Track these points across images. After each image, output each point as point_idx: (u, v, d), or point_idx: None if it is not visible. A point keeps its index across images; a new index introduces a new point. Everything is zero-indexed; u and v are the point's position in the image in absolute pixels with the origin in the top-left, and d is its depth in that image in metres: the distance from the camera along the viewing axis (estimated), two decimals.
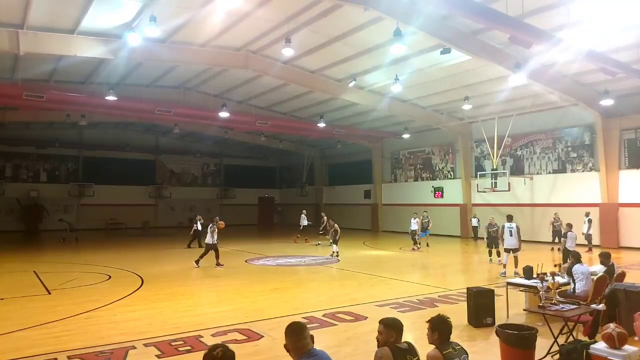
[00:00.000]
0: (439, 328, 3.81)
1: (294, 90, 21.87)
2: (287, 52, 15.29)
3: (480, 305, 7.42)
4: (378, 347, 3.60)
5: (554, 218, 18.92)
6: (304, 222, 23.27)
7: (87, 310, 8.36)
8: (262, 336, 6.78)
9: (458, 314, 7.67)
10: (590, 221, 17.55)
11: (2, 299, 9.49)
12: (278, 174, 42.29)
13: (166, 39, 15.92)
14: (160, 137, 34.66)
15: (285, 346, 3.23)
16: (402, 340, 3.65)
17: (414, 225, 19.37)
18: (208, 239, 14.48)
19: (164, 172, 36.38)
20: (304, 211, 24.04)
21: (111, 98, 18.74)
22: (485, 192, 22.66)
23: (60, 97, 19.22)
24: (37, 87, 18.73)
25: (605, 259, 8.04)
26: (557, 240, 18.43)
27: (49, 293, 10.23)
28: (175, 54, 16.82)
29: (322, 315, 7.83)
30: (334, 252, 16.38)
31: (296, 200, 38.14)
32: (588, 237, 17.67)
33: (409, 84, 19.17)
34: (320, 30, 15.26)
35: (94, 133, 31.10)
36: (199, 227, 19.68)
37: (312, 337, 3.25)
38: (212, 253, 14.22)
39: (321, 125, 24.20)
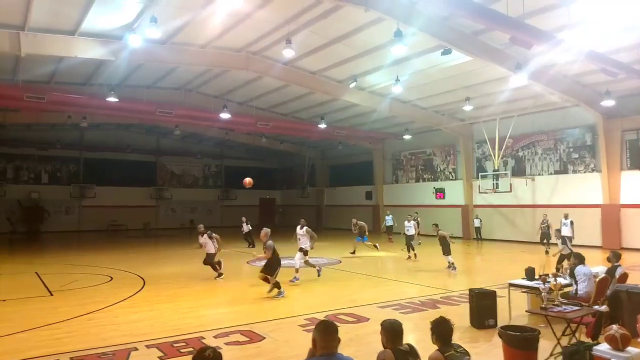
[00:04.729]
0: (439, 330, 3.82)
1: (295, 92, 21.89)
2: (288, 54, 15.29)
3: (483, 306, 7.41)
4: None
5: (542, 220, 18.88)
6: (390, 222, 24.34)
7: (89, 312, 8.35)
8: (264, 337, 6.77)
9: (460, 315, 7.66)
10: (572, 223, 17.10)
11: (4, 300, 9.49)
12: (279, 175, 42.30)
13: (167, 40, 15.93)
14: (161, 139, 34.70)
15: (313, 340, 3.33)
16: (404, 342, 3.66)
17: (411, 229, 17.15)
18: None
19: (165, 174, 36.40)
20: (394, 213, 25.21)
21: (112, 99, 18.77)
22: (486, 193, 22.65)
23: (62, 98, 19.24)
24: (38, 88, 18.76)
25: (614, 258, 8.02)
26: (545, 241, 18.37)
27: (51, 294, 10.23)
28: (176, 55, 16.84)
29: (324, 317, 7.82)
30: (450, 262, 13.53)
31: (297, 201, 38.13)
32: (564, 239, 16.10)
33: (409, 85, 19.18)
34: (321, 31, 15.28)
35: (95, 134, 31.15)
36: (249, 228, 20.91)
37: (339, 340, 3.34)
38: None
39: (322, 126, 24.20)
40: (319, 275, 12.09)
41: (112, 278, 12.27)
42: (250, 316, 8.11)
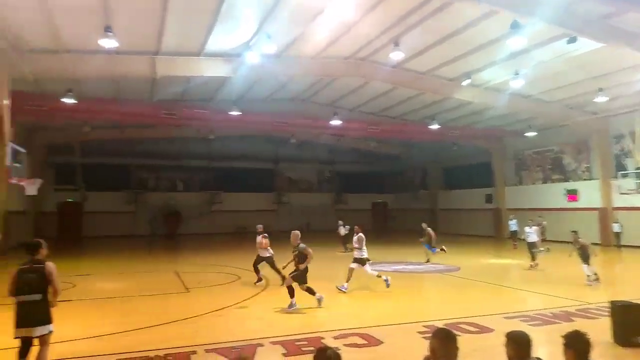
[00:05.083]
0: (575, 345, 3.46)
1: (404, 94, 21.67)
2: (396, 56, 15.18)
3: (628, 321, 6.57)
4: None
5: None
6: (514, 227, 22.10)
7: (220, 308, 9.09)
8: (382, 342, 6.77)
9: (600, 330, 6.87)
10: None
11: (150, 295, 10.75)
12: (390, 178, 41.97)
13: (280, 55, 16.82)
14: (279, 147, 36.56)
15: (432, 349, 3.22)
16: (532, 356, 3.40)
17: (532, 235, 15.35)
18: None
19: (282, 180, 38.36)
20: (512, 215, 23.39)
21: (234, 113, 20.42)
22: (628, 194, 20.00)
23: (191, 114, 21.54)
24: (171, 106, 21.09)
25: None
26: None
27: (187, 291, 11.34)
28: (289, 68, 17.71)
29: (444, 325, 7.56)
30: (588, 275, 11.68)
31: (410, 205, 37.45)
32: None
33: (531, 78, 17.77)
34: (430, 30, 14.87)
35: (220, 145, 33.82)
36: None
37: (457, 349, 3.22)
38: None
39: (434, 127, 23.56)
40: (338, 289, 10.86)
41: (239, 277, 13.21)
42: (367, 319, 8.16)
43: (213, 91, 21.32)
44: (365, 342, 6.79)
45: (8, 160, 12.68)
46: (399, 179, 40.45)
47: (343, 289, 10.80)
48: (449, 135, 26.32)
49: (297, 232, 9.42)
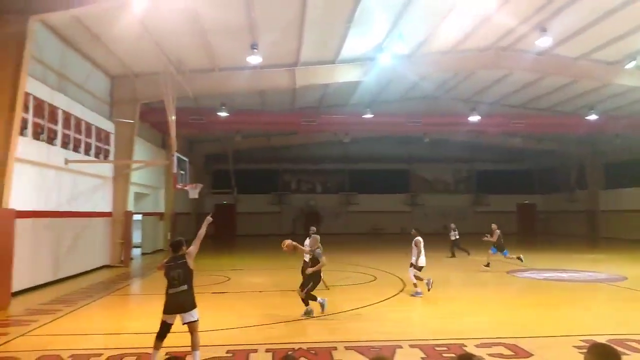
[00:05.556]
0: None
1: (553, 83, 19.74)
2: (544, 43, 13.95)
3: None
4: None
5: None
6: None
7: (358, 307, 9.31)
8: (532, 355, 6.24)
9: None
10: None
11: (293, 290, 11.43)
12: (538, 177, 38.33)
13: (412, 54, 16.57)
14: (412, 147, 36.00)
15: None
16: None
17: None
18: None
19: (417, 181, 37.69)
20: None
21: (368, 116, 20.79)
22: None
23: (328, 119, 22.75)
24: (310, 113, 22.41)
25: None
26: None
27: (327, 288, 11.79)
28: (422, 66, 17.40)
29: (605, 341, 6.68)
30: None
31: (563, 206, 33.88)
32: None
33: None
34: (583, 10, 13.31)
35: (355, 148, 34.60)
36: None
37: None
38: None
39: (591, 117, 20.95)
40: (428, 290, 10.43)
41: (375, 278, 13.36)
42: (515, 329, 7.60)
43: (348, 95, 21.91)
44: (512, 353, 6.33)
45: (174, 169, 14.66)
46: (550, 177, 36.77)
47: (427, 287, 10.50)
48: (611, 126, 23.16)
49: (317, 236, 9.27)
